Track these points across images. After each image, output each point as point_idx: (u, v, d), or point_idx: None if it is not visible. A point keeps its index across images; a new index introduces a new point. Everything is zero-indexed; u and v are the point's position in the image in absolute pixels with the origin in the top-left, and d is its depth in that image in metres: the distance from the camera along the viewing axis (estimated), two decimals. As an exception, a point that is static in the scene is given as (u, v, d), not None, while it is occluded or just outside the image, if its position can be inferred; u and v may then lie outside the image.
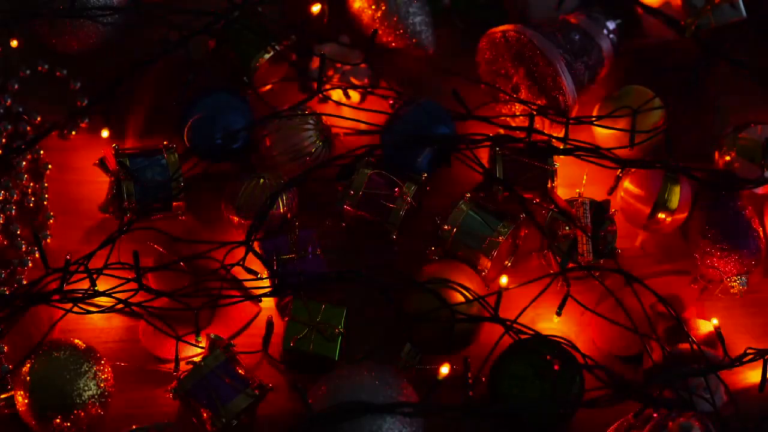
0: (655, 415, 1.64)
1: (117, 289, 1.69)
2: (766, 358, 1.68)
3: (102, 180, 1.79)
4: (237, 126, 1.79)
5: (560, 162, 1.78)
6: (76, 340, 1.70)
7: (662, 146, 1.80)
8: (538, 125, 1.80)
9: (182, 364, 1.70)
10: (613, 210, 1.77)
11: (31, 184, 1.81)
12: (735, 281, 1.76)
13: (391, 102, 1.83)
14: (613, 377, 1.67)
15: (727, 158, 1.81)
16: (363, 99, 1.87)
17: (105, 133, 1.83)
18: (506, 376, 1.69)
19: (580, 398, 1.68)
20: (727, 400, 1.68)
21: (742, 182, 1.77)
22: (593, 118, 1.81)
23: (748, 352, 1.68)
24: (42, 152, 1.82)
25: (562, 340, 1.69)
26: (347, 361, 1.71)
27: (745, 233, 1.76)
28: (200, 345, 1.71)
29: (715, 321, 1.73)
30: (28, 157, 1.82)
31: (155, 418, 1.70)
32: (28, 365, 1.67)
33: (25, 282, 1.76)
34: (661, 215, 1.77)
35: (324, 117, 1.80)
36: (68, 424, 1.67)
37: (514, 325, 1.68)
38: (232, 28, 1.81)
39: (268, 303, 1.76)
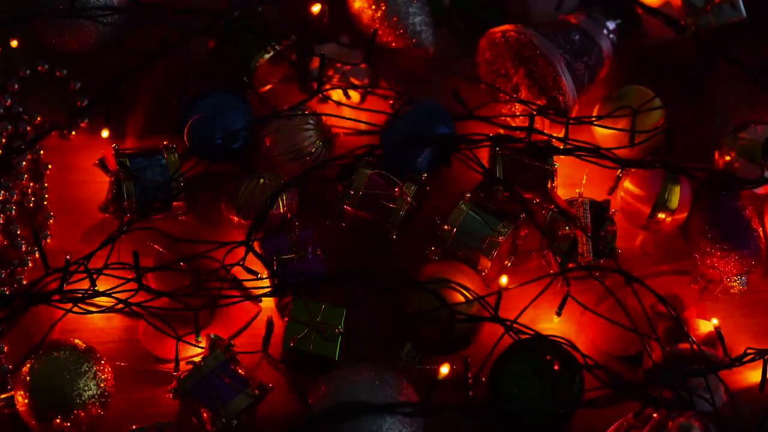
0: (655, 415, 1.64)
1: (117, 289, 1.69)
2: (766, 358, 1.68)
3: (102, 180, 1.79)
4: (237, 126, 1.79)
5: (560, 162, 1.78)
6: (76, 340, 1.70)
7: (662, 146, 1.80)
8: (538, 125, 1.80)
9: (182, 364, 1.70)
10: (613, 210, 1.77)
11: (31, 184, 1.81)
12: (735, 281, 1.76)
13: (391, 102, 1.83)
14: (613, 377, 1.67)
15: (727, 158, 1.81)
16: (363, 99, 1.87)
17: (105, 133, 1.83)
18: (506, 376, 1.68)
19: (580, 398, 1.68)
20: (727, 400, 1.68)
21: (742, 182, 1.77)
22: (593, 118, 1.81)
23: (748, 352, 1.68)
24: (42, 152, 1.82)
25: (562, 340, 1.69)
26: (347, 361, 1.71)
27: (745, 233, 1.76)
28: (200, 345, 1.71)
29: (715, 321, 1.73)
30: (28, 157, 1.81)
31: (155, 418, 1.70)
32: (28, 365, 1.67)
33: (25, 282, 1.76)
34: (661, 215, 1.77)
35: (324, 117, 1.80)
36: (68, 424, 1.66)
37: (514, 325, 1.68)
38: (232, 28, 1.81)
39: (268, 303, 1.76)
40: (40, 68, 1.85)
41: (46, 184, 1.81)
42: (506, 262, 1.78)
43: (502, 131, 1.81)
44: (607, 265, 1.74)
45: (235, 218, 1.76)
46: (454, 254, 1.75)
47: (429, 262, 1.75)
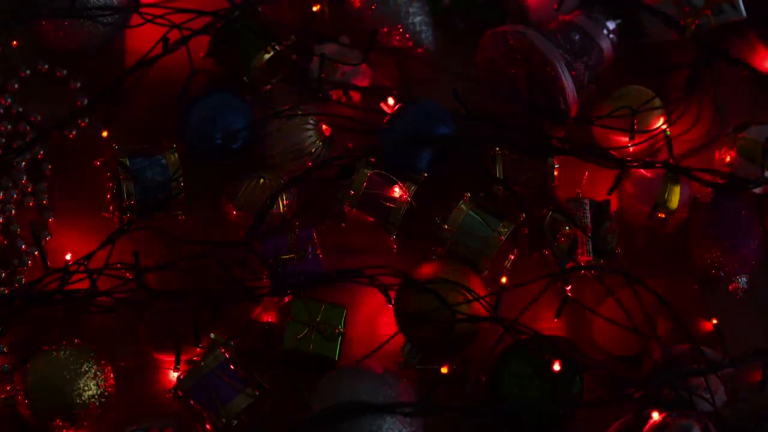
0: (655, 415, 1.64)
1: (117, 289, 1.69)
2: (766, 358, 1.68)
3: (102, 180, 1.79)
4: (237, 126, 1.79)
5: (560, 162, 1.78)
6: (76, 340, 1.70)
7: (663, 146, 1.80)
8: (538, 125, 1.80)
9: (182, 364, 1.70)
10: (613, 210, 1.77)
11: (31, 184, 1.81)
12: (735, 281, 1.76)
13: (390, 102, 1.83)
14: (613, 377, 1.67)
15: (727, 158, 1.81)
16: (363, 99, 1.86)
17: (105, 133, 1.83)
18: (506, 376, 1.68)
19: (580, 398, 1.68)
20: (727, 400, 1.68)
21: (742, 182, 1.77)
22: (593, 118, 1.81)
23: (748, 352, 1.68)
24: (42, 152, 1.82)
25: (562, 340, 1.69)
26: (347, 362, 1.71)
27: (745, 233, 1.76)
28: (200, 345, 1.71)
29: (715, 321, 1.73)
30: (28, 157, 1.81)
31: (155, 418, 1.70)
32: (28, 365, 1.67)
33: (25, 282, 1.76)
34: (661, 215, 1.77)
35: (324, 117, 1.80)
36: (68, 424, 1.67)
37: (514, 325, 1.68)
38: (232, 28, 1.81)
39: (268, 303, 1.76)
40: (40, 68, 1.85)
41: (46, 184, 1.81)
42: (506, 262, 1.78)
43: (501, 131, 1.81)
44: (607, 265, 1.74)
45: (235, 218, 1.76)
46: (454, 254, 1.75)
47: (429, 262, 1.75)
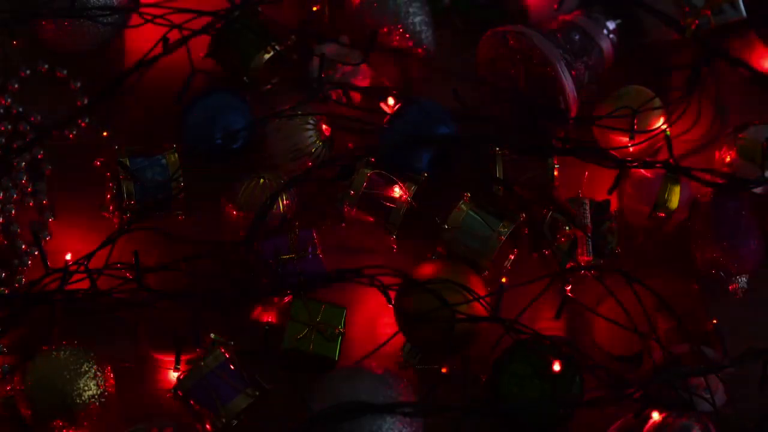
0: (655, 415, 1.64)
1: (117, 289, 1.69)
2: (766, 358, 1.68)
3: (102, 180, 1.79)
4: (237, 126, 1.79)
5: (560, 162, 1.78)
6: (76, 340, 1.70)
7: (663, 146, 1.80)
8: (539, 125, 1.80)
9: (182, 364, 1.70)
10: (613, 210, 1.77)
11: (31, 184, 1.81)
12: (735, 281, 1.76)
13: (391, 102, 1.83)
14: (613, 377, 1.67)
15: (727, 158, 1.81)
16: (363, 99, 1.86)
17: (105, 133, 1.83)
18: (506, 376, 1.68)
19: (580, 398, 1.68)
20: (727, 400, 1.68)
21: (742, 182, 1.77)
22: (593, 118, 1.81)
23: (748, 352, 1.68)
24: (42, 152, 1.82)
25: (562, 340, 1.69)
26: (347, 362, 1.71)
27: (746, 233, 1.76)
28: (200, 345, 1.71)
29: (715, 321, 1.73)
30: (28, 157, 1.81)
31: (155, 418, 1.70)
32: (28, 365, 1.67)
33: (25, 282, 1.76)
34: (661, 215, 1.77)
35: (324, 117, 1.80)
36: (68, 423, 1.67)
37: (514, 325, 1.68)
38: (232, 28, 1.81)
39: (268, 303, 1.76)
40: (40, 68, 1.85)
41: (46, 184, 1.81)
42: (506, 263, 1.78)
43: (502, 131, 1.81)
44: (607, 265, 1.74)
45: (235, 218, 1.76)
46: (454, 254, 1.75)
47: (429, 262, 1.75)
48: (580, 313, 1.75)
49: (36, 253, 1.76)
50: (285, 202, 1.75)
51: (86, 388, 1.67)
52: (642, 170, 1.78)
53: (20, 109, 1.83)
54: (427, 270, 1.73)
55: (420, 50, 1.86)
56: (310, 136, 1.79)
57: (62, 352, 1.68)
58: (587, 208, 1.75)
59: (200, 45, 1.81)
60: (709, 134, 1.86)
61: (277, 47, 1.81)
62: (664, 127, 1.80)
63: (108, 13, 1.79)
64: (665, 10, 1.84)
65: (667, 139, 1.79)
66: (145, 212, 1.75)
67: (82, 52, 1.83)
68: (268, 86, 1.85)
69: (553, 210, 1.76)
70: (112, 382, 1.69)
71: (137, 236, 1.74)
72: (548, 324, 1.77)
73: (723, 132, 1.84)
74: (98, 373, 1.68)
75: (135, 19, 1.82)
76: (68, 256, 1.73)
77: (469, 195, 1.76)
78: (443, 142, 1.78)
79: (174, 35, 1.79)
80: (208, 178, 1.80)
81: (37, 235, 1.74)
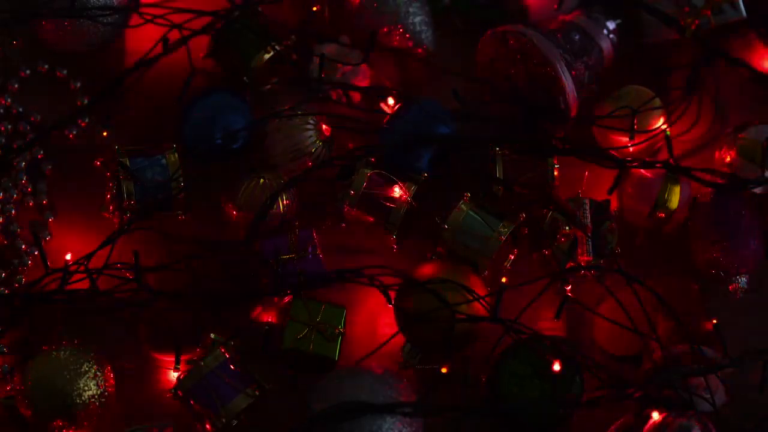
0: (655, 415, 1.64)
1: (117, 289, 1.69)
2: (766, 358, 1.68)
3: (102, 180, 1.79)
4: (237, 126, 1.79)
5: (560, 162, 1.78)
6: (76, 340, 1.70)
7: (663, 146, 1.80)
8: (539, 125, 1.80)
9: (182, 364, 1.70)
10: (613, 210, 1.77)
11: (31, 184, 1.81)
12: (735, 281, 1.76)
13: (391, 102, 1.83)
14: (613, 377, 1.67)
15: (727, 158, 1.81)
16: (363, 99, 1.86)
17: (105, 133, 1.83)
18: (506, 376, 1.68)
19: (580, 398, 1.68)
20: (727, 400, 1.68)
21: (742, 182, 1.77)
22: (593, 118, 1.81)
23: (748, 352, 1.68)
24: (42, 152, 1.82)
25: (562, 340, 1.69)
26: (347, 362, 1.71)
27: (746, 233, 1.76)
28: (200, 346, 1.71)
29: (715, 321, 1.73)
30: (28, 157, 1.81)
31: (155, 418, 1.70)
32: (29, 365, 1.67)
33: (25, 282, 1.76)
34: (661, 215, 1.77)
35: (324, 117, 1.80)
36: (68, 423, 1.67)
37: (514, 325, 1.68)
38: (232, 28, 1.81)
39: (268, 303, 1.76)
40: (40, 68, 1.85)
41: (46, 185, 1.81)
42: (506, 263, 1.78)
43: (502, 132, 1.81)
44: (607, 265, 1.74)
45: (235, 218, 1.76)
46: (454, 254, 1.75)
47: (429, 262, 1.75)
48: (580, 313, 1.76)
49: (36, 253, 1.76)
50: (285, 202, 1.75)
51: (86, 388, 1.67)
52: (642, 170, 1.79)
53: (20, 109, 1.83)
54: (427, 270, 1.73)
55: (420, 50, 1.86)
56: (310, 136, 1.79)
57: (62, 352, 1.68)
58: (587, 208, 1.75)
59: (200, 45, 1.81)
60: (709, 134, 1.86)
61: (277, 47, 1.81)
62: (664, 127, 1.80)
63: (108, 13, 1.79)
64: (665, 10, 1.84)
65: (667, 139, 1.79)
66: (145, 212, 1.75)
67: (82, 52, 1.84)
68: (268, 86, 1.85)
69: (553, 210, 1.76)
70: (112, 382, 1.70)
71: (137, 236, 1.74)
72: (548, 324, 1.77)
73: (723, 132, 1.84)
74: (98, 373, 1.68)
75: (135, 19, 1.82)
76: (68, 256, 1.73)
77: (469, 195, 1.76)
78: (443, 142, 1.78)
79: (174, 35, 1.79)
80: (208, 178, 1.80)
81: (37, 235, 1.74)
